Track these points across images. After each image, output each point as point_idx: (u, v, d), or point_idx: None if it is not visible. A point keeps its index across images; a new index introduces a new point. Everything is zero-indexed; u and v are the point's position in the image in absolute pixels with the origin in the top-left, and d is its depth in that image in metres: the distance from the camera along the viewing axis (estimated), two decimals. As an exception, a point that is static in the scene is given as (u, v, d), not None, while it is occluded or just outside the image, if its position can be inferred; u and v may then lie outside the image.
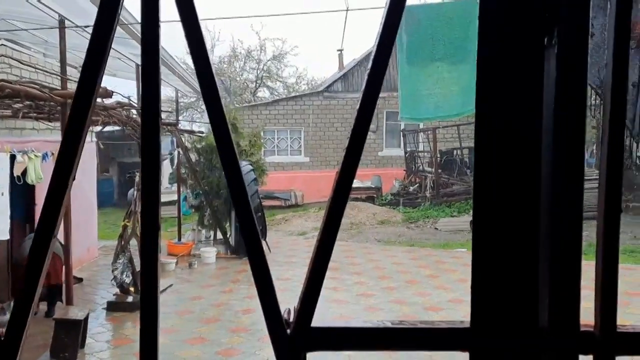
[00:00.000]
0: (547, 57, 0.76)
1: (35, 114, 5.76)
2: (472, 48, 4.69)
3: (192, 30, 0.79)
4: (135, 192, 7.06)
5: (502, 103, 0.77)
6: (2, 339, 0.77)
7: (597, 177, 0.78)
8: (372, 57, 0.84)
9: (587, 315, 0.76)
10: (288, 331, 0.82)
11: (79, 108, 0.79)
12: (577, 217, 0.75)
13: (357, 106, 0.85)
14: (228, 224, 10.74)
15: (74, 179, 0.80)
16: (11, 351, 0.77)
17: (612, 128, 0.75)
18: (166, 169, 9.48)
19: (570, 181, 0.75)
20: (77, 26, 5.48)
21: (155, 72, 0.81)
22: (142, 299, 0.81)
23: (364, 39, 29.17)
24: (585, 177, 0.77)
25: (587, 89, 0.74)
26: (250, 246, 0.83)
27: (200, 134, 12.07)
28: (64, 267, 6.10)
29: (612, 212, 0.76)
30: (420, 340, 0.84)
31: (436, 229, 13.05)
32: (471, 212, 11.79)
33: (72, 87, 5.98)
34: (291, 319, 0.83)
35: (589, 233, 0.82)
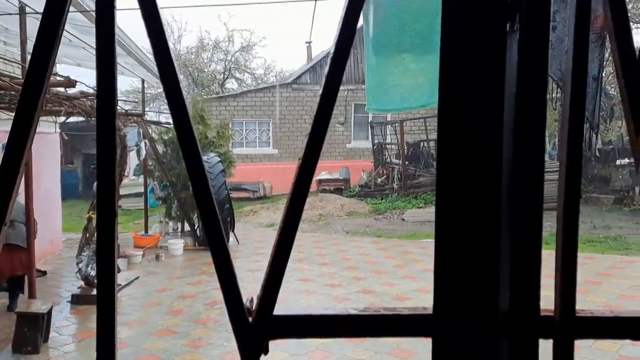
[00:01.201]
0: (509, 44, 0.76)
1: (-6, 104, 5.56)
2: (438, 40, 4.70)
3: (152, 20, 0.77)
4: (99, 184, 6.90)
5: (465, 89, 0.78)
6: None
7: (558, 168, 0.79)
8: (334, 41, 0.83)
9: (548, 304, 0.78)
10: (250, 319, 0.81)
11: (29, 91, 0.76)
12: (538, 205, 0.76)
13: (320, 92, 0.84)
14: (195, 216, 10.63)
15: (25, 164, 0.77)
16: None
17: (572, 118, 0.76)
18: (133, 160, 9.31)
19: (531, 169, 0.76)
20: (37, 12, 5.30)
21: (111, 53, 0.78)
22: (99, 290, 0.79)
23: (332, 32, 29.14)
24: (547, 169, 0.78)
25: (547, 74, 0.75)
26: (210, 232, 0.82)
27: (167, 125, 11.88)
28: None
29: (571, 201, 0.77)
30: (383, 327, 0.84)
31: (403, 220, 13.21)
32: (438, 203, 12.14)
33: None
34: (253, 308, 0.83)
35: (551, 223, 0.83)
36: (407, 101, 4.86)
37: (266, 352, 0.82)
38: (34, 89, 0.77)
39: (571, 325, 0.76)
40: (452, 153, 0.78)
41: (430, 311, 0.82)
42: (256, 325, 0.81)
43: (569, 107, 0.76)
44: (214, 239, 0.83)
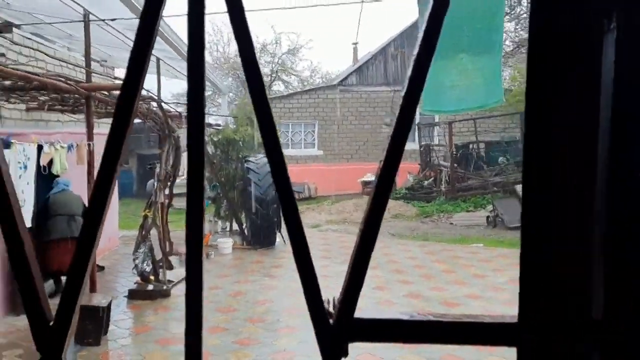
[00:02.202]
0: (605, 42, 0.74)
1: (60, 106, 5.83)
2: (497, 39, 4.61)
3: (239, 22, 0.79)
4: (155, 183, 7.12)
5: (555, 89, 0.76)
6: (52, 323, 0.78)
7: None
8: (418, 41, 0.83)
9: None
10: (331, 321, 0.82)
11: (127, 94, 0.79)
12: (637, 212, 0.73)
13: (403, 93, 0.84)
14: (244, 216, 10.80)
15: (121, 165, 0.81)
16: (60, 336, 0.77)
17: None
18: (185, 161, 9.57)
19: (628, 174, 0.73)
20: (101, 20, 5.51)
21: (200, 64, 0.81)
22: (187, 282, 0.81)
23: (378, 33, 29.04)
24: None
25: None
26: (294, 238, 0.83)
27: (217, 127, 12.12)
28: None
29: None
30: (465, 335, 0.83)
31: (451, 223, 12.97)
32: (488, 207, 11.59)
33: (96, 80, 6.04)
34: (331, 309, 0.83)
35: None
36: (463, 102, 4.76)
37: (346, 354, 0.83)
38: (131, 92, 0.80)
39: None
40: (541, 155, 0.76)
41: (515, 320, 0.80)
42: (337, 328, 0.81)
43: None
44: (296, 241, 0.84)
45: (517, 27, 15.87)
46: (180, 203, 14.69)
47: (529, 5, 0.76)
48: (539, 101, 0.76)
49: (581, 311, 0.76)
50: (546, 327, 0.77)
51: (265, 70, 28.07)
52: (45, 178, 5.96)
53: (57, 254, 6.16)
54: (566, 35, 0.74)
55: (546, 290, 0.78)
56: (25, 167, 5.32)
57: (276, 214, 10.22)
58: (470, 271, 8.36)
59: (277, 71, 27.94)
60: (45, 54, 6.09)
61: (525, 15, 14.43)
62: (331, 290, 0.76)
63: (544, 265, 0.78)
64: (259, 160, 10.46)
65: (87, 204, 6.22)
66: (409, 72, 0.86)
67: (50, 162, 5.78)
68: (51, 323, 0.77)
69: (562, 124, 0.75)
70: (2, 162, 0.76)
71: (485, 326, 0.82)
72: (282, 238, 10.42)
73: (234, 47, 27.63)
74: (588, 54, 0.74)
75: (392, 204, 14.84)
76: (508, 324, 0.81)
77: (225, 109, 17.63)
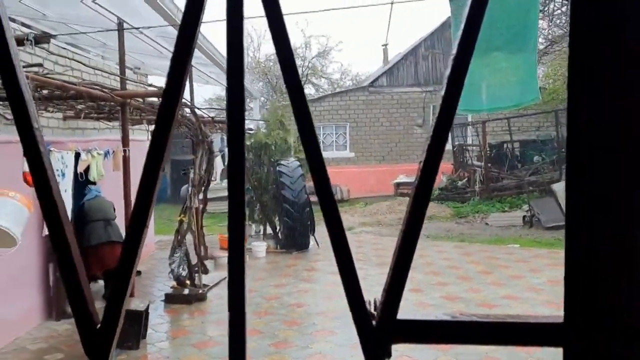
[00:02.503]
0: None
1: (96, 114, 5.99)
2: (531, 36, 4.53)
3: (276, 25, 0.80)
4: (190, 189, 7.23)
5: (598, 88, 0.74)
6: (99, 327, 0.79)
7: None
8: (457, 41, 0.82)
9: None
10: (373, 322, 0.82)
11: (167, 105, 0.81)
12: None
13: (442, 94, 0.83)
14: (277, 219, 10.86)
15: (163, 170, 0.83)
16: (107, 339, 0.79)
17: None
18: (219, 165, 9.67)
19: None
20: (135, 28, 5.64)
21: (240, 67, 0.82)
22: (230, 283, 0.82)
23: (408, 33, 28.87)
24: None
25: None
26: (335, 239, 0.84)
27: (249, 131, 12.23)
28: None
29: None
30: (510, 335, 0.82)
31: (486, 224, 12.76)
32: (523, 207, 11.36)
33: (130, 87, 6.19)
34: (372, 310, 0.83)
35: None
36: (499, 101, 4.69)
37: (389, 355, 0.83)
38: (171, 101, 0.82)
39: None
40: (584, 154, 0.74)
41: (560, 320, 0.78)
42: (380, 329, 0.81)
43: None
44: (337, 244, 0.84)
45: (550, 24, 15.50)
46: (213, 207, 14.90)
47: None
48: (581, 99, 0.75)
49: (629, 312, 0.74)
50: (593, 328, 0.75)
51: (295, 74, 28.22)
52: (77, 185, 6.11)
53: (96, 259, 6.33)
54: (609, 30, 0.72)
55: (592, 290, 0.76)
56: (63, 174, 5.47)
57: (309, 217, 10.24)
58: (507, 272, 8.21)
59: (307, 74, 28.07)
60: (81, 63, 6.26)
61: (559, 12, 14.10)
62: (368, 292, 0.76)
63: (589, 264, 0.76)
64: (291, 163, 10.52)
65: (118, 209, 6.29)
66: (446, 72, 0.85)
67: (87, 169, 5.93)
68: (98, 326, 0.79)
69: (605, 122, 0.74)
70: (49, 168, 0.78)
71: (530, 326, 0.81)
72: (316, 241, 10.43)
73: (264, 52, 27.87)
74: (633, 49, 0.72)
75: (425, 205, 14.68)
76: (553, 324, 0.79)
77: (256, 113, 17.79)
